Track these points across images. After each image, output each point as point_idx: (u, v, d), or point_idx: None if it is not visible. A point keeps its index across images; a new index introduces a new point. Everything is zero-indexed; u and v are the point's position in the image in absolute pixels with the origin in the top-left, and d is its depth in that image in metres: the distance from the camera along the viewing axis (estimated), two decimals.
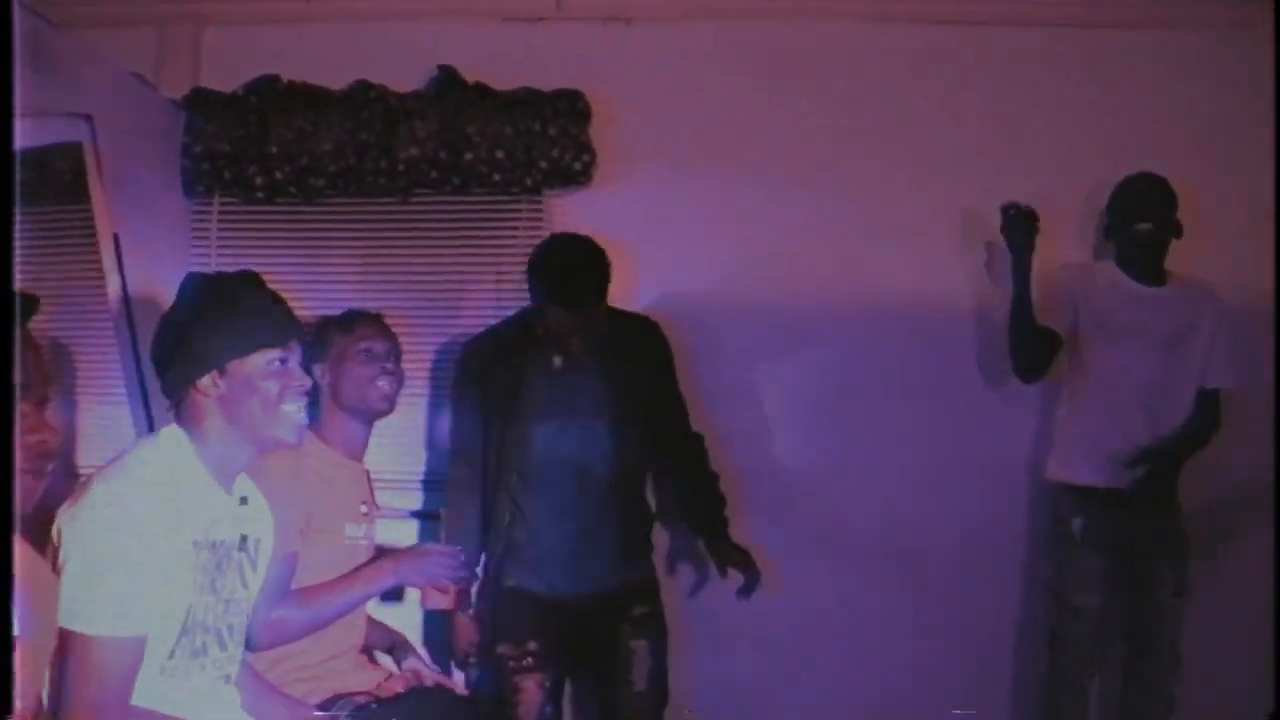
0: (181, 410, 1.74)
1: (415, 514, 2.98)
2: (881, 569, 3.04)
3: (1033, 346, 2.86)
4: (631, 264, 2.89)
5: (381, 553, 2.42)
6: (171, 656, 1.65)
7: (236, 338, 1.72)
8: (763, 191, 3.04)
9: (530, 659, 2.58)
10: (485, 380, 2.63)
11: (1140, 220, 2.86)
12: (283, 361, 1.75)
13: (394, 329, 2.51)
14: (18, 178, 1.41)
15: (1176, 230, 2.87)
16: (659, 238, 3.01)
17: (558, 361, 2.60)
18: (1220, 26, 3.07)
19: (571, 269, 2.52)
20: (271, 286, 1.83)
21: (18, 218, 1.40)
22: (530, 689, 2.57)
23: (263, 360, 1.73)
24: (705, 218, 3.03)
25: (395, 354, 2.47)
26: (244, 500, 1.80)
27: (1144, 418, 2.82)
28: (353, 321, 2.46)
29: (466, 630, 2.69)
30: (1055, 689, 2.87)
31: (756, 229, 3.04)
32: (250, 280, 1.82)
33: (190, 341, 1.71)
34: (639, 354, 2.70)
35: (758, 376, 3.07)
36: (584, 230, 2.73)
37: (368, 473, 2.49)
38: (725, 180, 3.03)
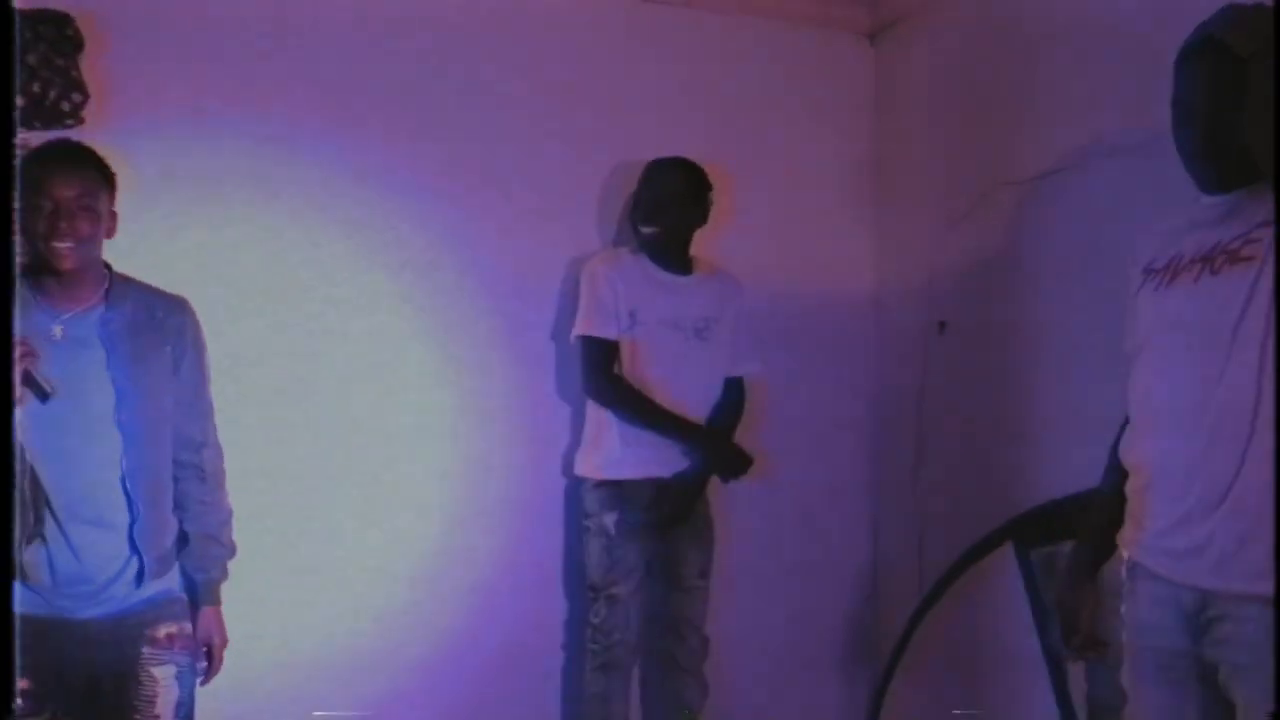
0: None
1: None
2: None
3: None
4: (128, 219, 2.49)
5: None
6: None
7: None
8: (290, 144, 2.73)
9: (21, 700, 2.12)
10: None
11: (663, 206, 2.87)
12: None
13: None
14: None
15: (702, 216, 2.92)
16: (163, 190, 2.59)
17: (57, 331, 2.10)
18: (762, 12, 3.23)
19: None
20: None
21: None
22: None
23: None
24: (219, 172, 2.66)
25: None
26: None
27: (676, 406, 2.85)
28: None
29: None
30: (600, 678, 2.86)
31: (279, 187, 2.72)
32: None
33: None
34: (163, 340, 2.21)
35: (270, 355, 2.73)
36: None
37: None
38: (246, 130, 2.68)
